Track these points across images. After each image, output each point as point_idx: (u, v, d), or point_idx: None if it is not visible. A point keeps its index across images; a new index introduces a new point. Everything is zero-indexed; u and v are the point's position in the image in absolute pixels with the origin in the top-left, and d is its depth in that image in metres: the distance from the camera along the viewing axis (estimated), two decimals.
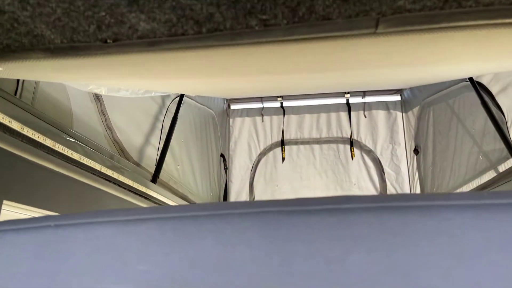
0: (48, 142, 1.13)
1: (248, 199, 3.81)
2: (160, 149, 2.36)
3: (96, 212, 0.53)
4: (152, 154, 2.31)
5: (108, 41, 0.58)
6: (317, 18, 0.53)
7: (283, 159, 3.87)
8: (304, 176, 3.83)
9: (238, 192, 3.84)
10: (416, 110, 3.53)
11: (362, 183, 3.76)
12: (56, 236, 0.48)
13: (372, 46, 0.62)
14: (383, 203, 0.45)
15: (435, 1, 0.50)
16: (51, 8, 0.52)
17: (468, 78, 2.37)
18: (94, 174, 1.39)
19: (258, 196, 3.82)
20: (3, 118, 1.00)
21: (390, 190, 3.69)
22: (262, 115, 4.01)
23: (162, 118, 2.46)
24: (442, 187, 3.03)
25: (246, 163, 3.91)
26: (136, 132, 2.16)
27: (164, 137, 2.41)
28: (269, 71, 0.84)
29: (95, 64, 0.68)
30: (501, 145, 2.16)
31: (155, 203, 1.99)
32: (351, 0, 0.50)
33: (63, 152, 1.20)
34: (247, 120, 4.04)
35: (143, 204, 1.84)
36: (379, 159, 3.77)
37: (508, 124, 2.17)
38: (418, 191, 3.54)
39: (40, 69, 0.76)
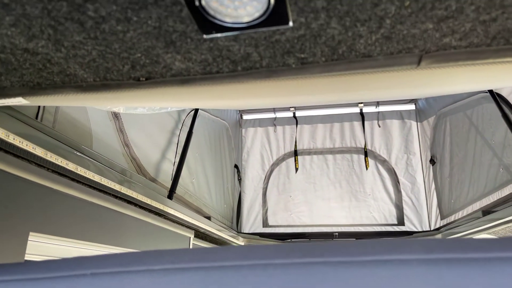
0: (71, 166, 1.12)
1: (261, 210, 3.78)
2: (176, 164, 2.36)
3: (132, 257, 0.52)
4: (168, 168, 2.31)
5: (141, 79, 0.58)
6: (357, 55, 0.51)
7: (296, 169, 3.84)
8: (318, 187, 3.79)
9: (251, 203, 3.82)
10: (431, 119, 3.48)
11: (377, 194, 3.72)
12: (92, 286, 0.47)
13: (410, 77, 0.61)
14: (439, 254, 0.43)
15: (482, 38, 0.48)
16: (86, 51, 0.51)
17: (488, 90, 2.33)
18: (114, 196, 1.38)
19: (272, 207, 3.80)
20: (27, 145, 1.00)
21: (406, 200, 3.64)
22: (275, 125, 4.00)
23: (178, 132, 2.46)
24: (460, 199, 2.97)
25: (259, 173, 3.90)
26: (152, 148, 2.16)
27: (180, 151, 2.41)
28: (296, 94, 0.82)
29: (124, 97, 0.68)
30: None
31: (170, 219, 1.98)
32: (395, 38, 0.48)
33: (85, 175, 1.20)
34: (260, 130, 4.03)
35: (159, 222, 1.83)
36: (394, 169, 3.72)
37: None
38: (434, 202, 3.47)
39: (68, 101, 0.75)
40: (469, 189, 2.82)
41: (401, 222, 3.62)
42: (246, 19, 0.43)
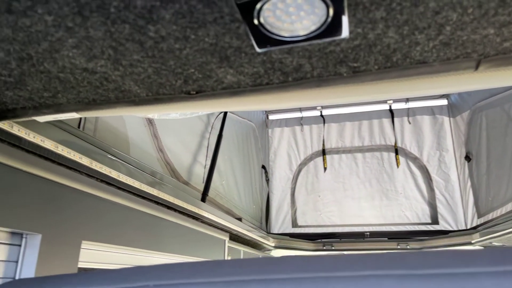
0: (114, 174, 1.16)
1: (289, 210, 3.77)
2: (207, 167, 2.39)
3: (191, 267, 0.52)
4: (199, 172, 2.34)
5: (192, 92, 0.59)
6: (411, 62, 0.50)
7: (325, 168, 3.81)
8: (348, 186, 3.74)
9: (280, 203, 3.82)
10: (465, 114, 3.37)
11: (408, 192, 3.63)
12: None
13: (466, 80, 0.59)
14: (505, 266, 0.41)
15: None
16: (143, 68, 0.52)
17: None
18: (153, 201, 1.41)
19: (301, 207, 3.78)
20: (74, 155, 1.03)
21: (439, 198, 3.54)
22: (302, 124, 3.97)
23: (207, 135, 2.49)
24: (499, 196, 2.86)
25: (286, 173, 3.89)
26: (184, 152, 2.19)
27: (210, 154, 2.43)
28: (344, 100, 0.81)
29: (173, 109, 0.69)
30: None
31: (205, 222, 2.00)
32: (453, 44, 0.47)
33: (126, 182, 1.23)
34: (286, 130, 4.02)
35: (195, 225, 1.86)
36: (426, 167, 3.62)
37: None
38: (471, 200, 3.36)
39: (118, 113, 0.77)
40: (508, 186, 2.72)
41: (435, 221, 3.52)
42: (302, 32, 0.43)
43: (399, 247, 3.44)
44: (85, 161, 1.05)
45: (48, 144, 0.89)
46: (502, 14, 0.41)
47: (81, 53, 0.49)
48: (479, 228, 3.09)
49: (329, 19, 0.40)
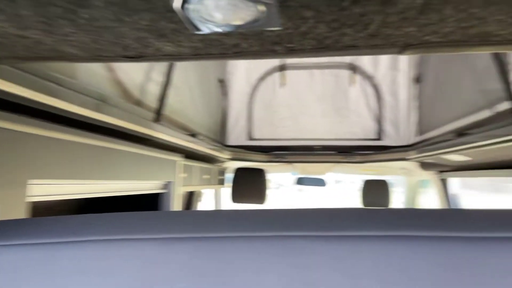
0: (58, 103, 1.12)
1: (246, 124, 3.88)
2: (162, 84, 2.34)
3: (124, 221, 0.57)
4: (153, 89, 2.29)
5: (132, 57, 0.57)
6: (343, 46, 0.52)
7: (283, 84, 3.84)
8: (304, 102, 3.85)
9: (237, 117, 3.89)
10: None
11: (360, 110, 3.81)
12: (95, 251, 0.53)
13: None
14: (390, 231, 0.48)
15: (461, 37, 0.50)
16: (78, 37, 0.50)
17: None
18: (102, 127, 1.41)
19: (257, 121, 3.89)
20: (9, 87, 0.97)
21: (387, 117, 3.76)
22: None
23: None
24: (438, 118, 3.10)
25: (244, 88, 3.89)
26: (137, 69, 2.11)
27: (165, 70, 2.36)
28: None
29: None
30: (500, 85, 2.17)
31: (158, 143, 2.04)
32: (379, 36, 0.49)
33: (70, 109, 1.20)
34: None
35: (146, 147, 1.90)
36: (379, 86, 3.76)
37: (510, 67, 2.15)
38: (415, 119, 3.61)
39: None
40: (448, 110, 2.93)
41: (379, 137, 3.79)
42: (238, 22, 0.42)
43: (345, 160, 3.74)
44: (16, 89, 0.99)
45: None
46: (422, 19, 0.43)
47: (12, 25, 0.46)
48: (415, 145, 3.39)
49: (262, 15, 0.40)
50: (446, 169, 3.23)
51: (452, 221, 0.50)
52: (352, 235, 0.46)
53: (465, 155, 2.54)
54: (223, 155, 3.37)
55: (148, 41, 0.52)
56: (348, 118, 3.81)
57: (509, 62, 2.17)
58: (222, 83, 3.77)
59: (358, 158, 3.69)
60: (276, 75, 3.87)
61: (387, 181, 3.92)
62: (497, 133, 2.01)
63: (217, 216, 0.58)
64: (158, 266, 0.48)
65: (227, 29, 0.43)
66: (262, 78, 3.89)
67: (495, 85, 2.26)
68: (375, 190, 3.91)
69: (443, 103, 3.00)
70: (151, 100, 2.23)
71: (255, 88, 3.90)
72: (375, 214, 0.54)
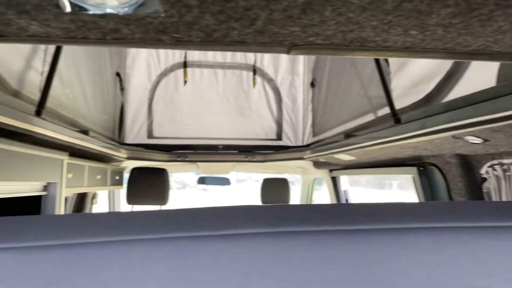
0: None
1: (146, 121, 3.70)
2: (45, 74, 2.07)
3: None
4: (34, 79, 2.02)
5: None
6: (232, 41, 0.50)
7: (185, 82, 3.76)
8: (206, 101, 3.82)
9: (136, 114, 3.69)
10: None
11: (261, 111, 3.93)
12: None
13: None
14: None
15: (342, 41, 0.52)
16: None
17: None
18: None
19: (158, 118, 3.74)
20: None
21: (286, 118, 3.95)
22: None
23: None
24: (330, 121, 3.35)
25: (144, 83, 3.71)
26: (15, 55, 1.84)
27: (49, 59, 2.10)
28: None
29: None
30: (382, 92, 2.43)
31: (40, 140, 1.81)
32: (266, 33, 0.48)
33: None
34: None
35: (23, 148, 1.66)
36: (278, 89, 3.93)
37: (391, 75, 2.43)
38: (310, 121, 3.86)
39: None
40: (338, 114, 3.20)
41: (279, 137, 3.96)
42: (114, 3, 0.37)
43: (246, 159, 3.81)
44: None
45: None
46: (304, 19, 0.43)
47: None
48: (311, 146, 3.63)
49: (139, 0, 0.36)
50: (336, 167, 3.52)
51: (338, 215, 0.52)
52: (236, 234, 0.45)
53: (351, 154, 2.79)
54: (120, 154, 3.14)
55: (7, 18, 0.44)
56: (250, 119, 3.90)
57: (390, 72, 2.45)
58: (120, 77, 3.53)
59: (259, 157, 3.80)
60: (179, 72, 3.77)
61: (286, 179, 4.12)
62: (377, 135, 2.25)
63: (94, 220, 0.52)
64: (17, 278, 0.41)
65: (99, 11, 0.37)
66: (165, 74, 3.75)
67: (378, 92, 2.53)
68: (275, 188, 4.06)
69: (335, 107, 3.27)
70: (32, 92, 1.96)
71: (156, 84, 3.74)
72: (263, 211, 0.54)
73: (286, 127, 3.97)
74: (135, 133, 3.69)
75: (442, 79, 1.92)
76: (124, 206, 3.86)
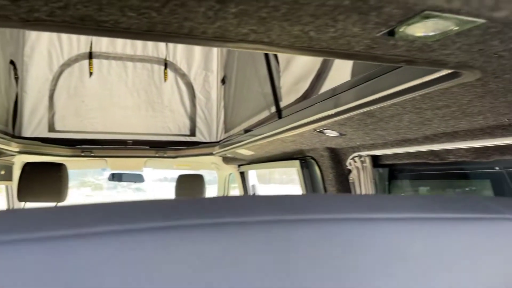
0: None
1: (46, 114, 3.48)
2: None
3: None
4: None
5: None
6: None
7: (91, 73, 3.60)
8: (115, 94, 3.68)
9: (35, 105, 3.46)
10: None
11: (174, 106, 3.87)
12: None
13: None
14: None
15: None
16: None
17: None
18: None
19: (60, 111, 3.54)
20: None
21: (199, 114, 3.93)
22: None
23: None
24: (237, 116, 3.40)
25: (45, 73, 3.48)
26: None
27: None
28: None
29: None
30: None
31: None
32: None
33: None
34: None
35: None
36: (192, 84, 3.90)
37: (281, 73, 2.51)
38: (222, 118, 3.88)
39: None
40: (243, 110, 3.24)
41: (193, 133, 3.93)
42: None
43: (157, 155, 3.74)
44: None
45: None
46: None
47: None
48: (221, 142, 3.65)
49: None
50: (243, 163, 3.57)
51: (246, 206, 0.50)
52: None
53: (249, 149, 2.84)
54: (10, 147, 2.92)
55: None
56: (162, 113, 3.82)
57: (280, 69, 2.53)
58: (14, 66, 3.28)
59: (170, 153, 3.74)
60: (85, 63, 3.60)
61: (202, 176, 4.10)
62: (265, 130, 2.31)
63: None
64: None
65: None
66: (68, 64, 3.55)
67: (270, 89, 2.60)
68: (189, 184, 4.03)
69: (241, 104, 3.31)
70: None
71: (59, 75, 3.53)
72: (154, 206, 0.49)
73: (200, 123, 3.95)
74: (34, 126, 3.46)
75: (314, 76, 2.01)
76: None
